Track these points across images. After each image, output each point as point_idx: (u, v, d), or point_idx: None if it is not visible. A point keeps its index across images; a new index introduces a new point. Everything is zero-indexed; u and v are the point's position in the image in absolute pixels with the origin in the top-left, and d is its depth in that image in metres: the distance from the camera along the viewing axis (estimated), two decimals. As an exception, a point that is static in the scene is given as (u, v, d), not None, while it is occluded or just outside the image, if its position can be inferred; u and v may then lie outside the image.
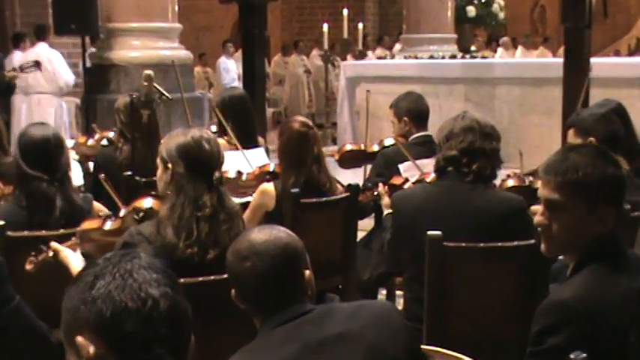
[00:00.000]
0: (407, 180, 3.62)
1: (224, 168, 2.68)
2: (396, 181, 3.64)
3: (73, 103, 10.37)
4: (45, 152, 3.06)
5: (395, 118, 4.18)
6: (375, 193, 3.62)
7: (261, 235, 1.91)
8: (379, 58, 10.74)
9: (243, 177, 3.93)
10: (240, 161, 4.09)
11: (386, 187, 3.57)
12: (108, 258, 1.25)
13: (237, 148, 4.22)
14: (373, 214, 4.09)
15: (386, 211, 3.40)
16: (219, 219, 2.50)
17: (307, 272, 1.93)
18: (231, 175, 3.86)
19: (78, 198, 3.15)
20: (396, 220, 3.02)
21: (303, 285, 1.91)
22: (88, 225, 2.90)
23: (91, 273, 1.23)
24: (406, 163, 3.83)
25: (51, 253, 2.62)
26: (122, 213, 3.03)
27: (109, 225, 2.91)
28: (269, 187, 3.59)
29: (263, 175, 3.88)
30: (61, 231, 2.92)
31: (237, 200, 3.92)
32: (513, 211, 2.83)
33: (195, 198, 2.49)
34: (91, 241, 2.87)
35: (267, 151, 4.48)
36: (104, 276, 1.21)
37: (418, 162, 3.80)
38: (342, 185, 3.81)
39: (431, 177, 3.49)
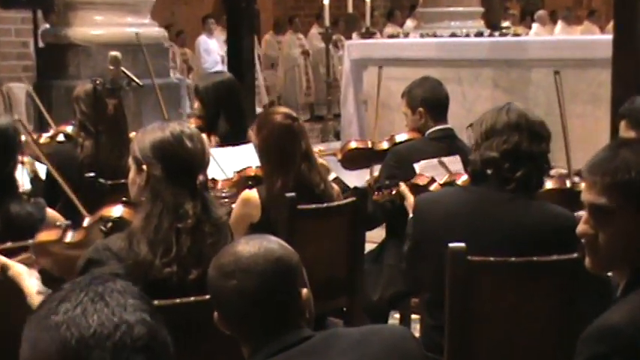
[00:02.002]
0: (433, 180, 3.62)
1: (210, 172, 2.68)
2: (420, 180, 3.64)
3: (24, 91, 10.42)
4: None
5: (408, 109, 4.18)
6: (394, 192, 3.63)
7: (249, 247, 1.91)
8: (390, 36, 10.73)
9: (219, 184, 3.95)
10: (227, 161, 4.12)
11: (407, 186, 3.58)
12: (76, 281, 1.25)
13: (218, 146, 4.25)
14: (384, 224, 4.11)
15: (412, 214, 3.42)
16: (204, 231, 2.48)
17: (305, 291, 1.93)
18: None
19: (21, 207, 3.12)
20: (418, 229, 3.02)
21: (300, 307, 1.91)
22: (44, 236, 2.89)
23: (55, 298, 1.23)
24: (423, 162, 3.84)
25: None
26: (86, 222, 3.03)
27: (70, 237, 2.91)
28: (252, 194, 3.61)
29: (244, 181, 3.89)
30: (9, 244, 2.92)
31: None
32: (561, 230, 2.77)
33: (175, 206, 2.46)
34: (49, 254, 2.87)
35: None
36: (70, 299, 1.21)
37: (436, 160, 3.81)
38: (346, 186, 3.82)
39: (462, 179, 3.48)
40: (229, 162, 4.16)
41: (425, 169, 3.80)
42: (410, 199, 3.52)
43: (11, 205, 3.08)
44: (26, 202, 3.17)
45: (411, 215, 3.44)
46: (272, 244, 1.93)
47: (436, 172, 3.73)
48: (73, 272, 2.56)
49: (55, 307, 1.21)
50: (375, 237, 4.21)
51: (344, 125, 9.40)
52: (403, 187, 3.60)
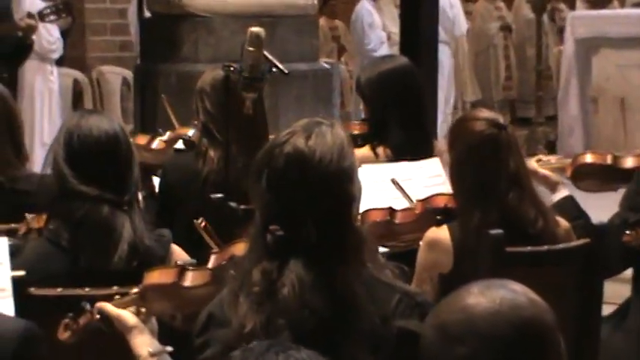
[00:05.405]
0: None
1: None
2: None
3: (119, 77, 10.77)
4: (112, 157, 3.28)
5: None
6: None
7: (486, 301, 1.92)
8: (636, 5, 10.54)
9: (397, 217, 4.00)
10: (409, 182, 4.17)
11: None
12: (249, 347, 1.31)
13: (389, 160, 4.30)
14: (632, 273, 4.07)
15: None
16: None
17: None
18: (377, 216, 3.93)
19: (148, 236, 3.31)
20: None
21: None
22: (156, 278, 3.03)
23: None
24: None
25: (97, 316, 2.78)
26: (212, 261, 3.15)
27: (189, 279, 3.03)
28: (441, 233, 3.65)
29: (429, 214, 3.93)
30: (115, 288, 3.06)
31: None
32: None
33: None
34: (165, 298, 3.01)
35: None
36: None
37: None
38: (579, 212, 3.84)
39: None
40: (407, 184, 4.22)
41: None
42: None
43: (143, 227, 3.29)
44: (147, 232, 3.33)
45: None
46: (518, 296, 1.93)
47: None
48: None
49: None
50: (613, 295, 4.17)
51: (562, 132, 9.32)
52: None
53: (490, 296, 1.92)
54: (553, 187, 4.11)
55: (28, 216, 3.62)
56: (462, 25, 12.30)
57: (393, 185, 4.18)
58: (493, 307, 1.90)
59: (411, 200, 4.11)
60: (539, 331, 1.91)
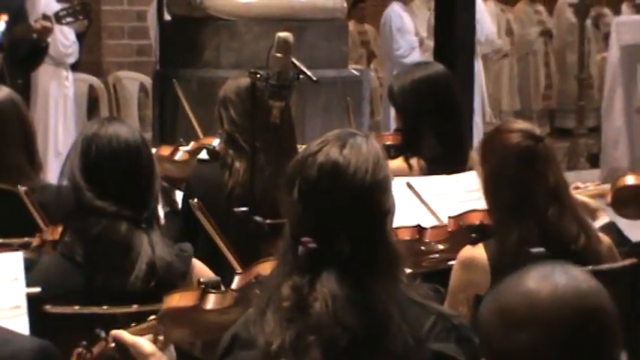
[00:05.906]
0: None
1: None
2: None
3: (137, 83, 10.79)
4: (132, 170, 3.29)
5: None
6: None
7: (547, 285, 1.91)
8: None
9: (426, 236, 3.99)
10: (438, 198, 4.17)
11: None
12: None
13: (423, 172, 4.29)
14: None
15: None
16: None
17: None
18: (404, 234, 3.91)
19: (168, 252, 3.31)
20: None
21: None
22: (176, 301, 3.01)
23: None
24: None
25: (112, 344, 2.77)
26: (236, 282, 3.15)
27: (211, 302, 3.02)
28: (476, 252, 3.65)
29: (464, 232, 3.92)
30: (135, 307, 3.10)
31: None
32: None
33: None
34: (185, 324, 3.00)
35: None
36: None
37: None
38: (623, 239, 3.81)
39: None
40: (441, 200, 4.22)
41: None
42: None
43: (162, 243, 3.29)
44: (167, 249, 3.33)
45: None
46: (581, 283, 1.91)
47: None
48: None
49: None
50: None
51: (606, 145, 9.27)
52: None
53: (553, 282, 1.91)
54: (593, 214, 4.07)
55: (44, 228, 3.64)
56: (487, 28, 11.95)
57: (409, 189, 4.15)
58: (556, 293, 1.90)
59: (430, 208, 4.11)
60: (602, 318, 1.90)
